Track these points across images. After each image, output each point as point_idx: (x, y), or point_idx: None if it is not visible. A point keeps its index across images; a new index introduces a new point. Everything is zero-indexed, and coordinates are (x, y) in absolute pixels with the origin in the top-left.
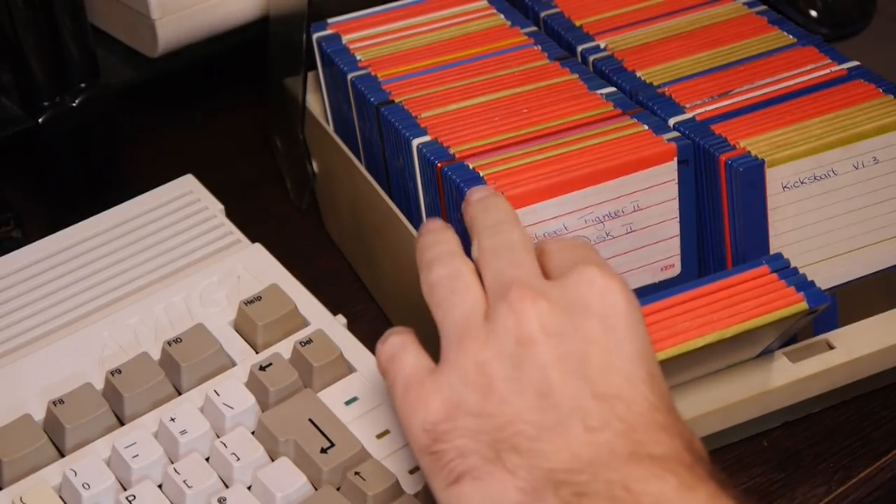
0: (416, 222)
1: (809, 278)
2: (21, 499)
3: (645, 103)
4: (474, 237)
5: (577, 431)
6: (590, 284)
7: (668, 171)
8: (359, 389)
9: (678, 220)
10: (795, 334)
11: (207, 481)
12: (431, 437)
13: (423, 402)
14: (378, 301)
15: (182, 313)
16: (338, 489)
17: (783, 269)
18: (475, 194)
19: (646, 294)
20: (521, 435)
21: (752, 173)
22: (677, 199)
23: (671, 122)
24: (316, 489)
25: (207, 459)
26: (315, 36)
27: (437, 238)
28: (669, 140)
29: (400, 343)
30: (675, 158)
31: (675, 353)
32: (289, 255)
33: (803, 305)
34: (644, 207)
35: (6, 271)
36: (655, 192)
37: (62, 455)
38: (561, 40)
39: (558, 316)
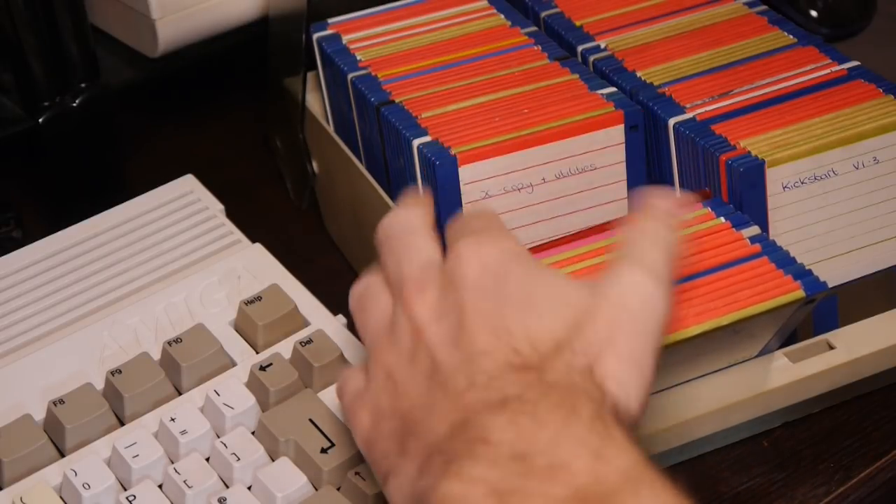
0: None
1: None
2: (21, 499)
3: (645, 103)
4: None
5: (451, 399)
6: (461, 261)
7: (616, 135)
8: None
9: (625, 183)
10: (796, 332)
11: (208, 481)
12: (367, 447)
13: (357, 419)
14: None
15: (182, 313)
16: (338, 489)
17: (719, 206)
18: None
19: None
20: (416, 421)
21: (753, 173)
22: (624, 162)
23: (671, 122)
24: (316, 489)
25: (208, 459)
26: (315, 36)
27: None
28: (619, 106)
29: (345, 376)
30: (623, 123)
31: (672, 341)
32: (289, 255)
33: (800, 293)
34: (591, 169)
35: (6, 271)
36: (603, 155)
37: (62, 455)
38: (561, 40)
39: (440, 298)
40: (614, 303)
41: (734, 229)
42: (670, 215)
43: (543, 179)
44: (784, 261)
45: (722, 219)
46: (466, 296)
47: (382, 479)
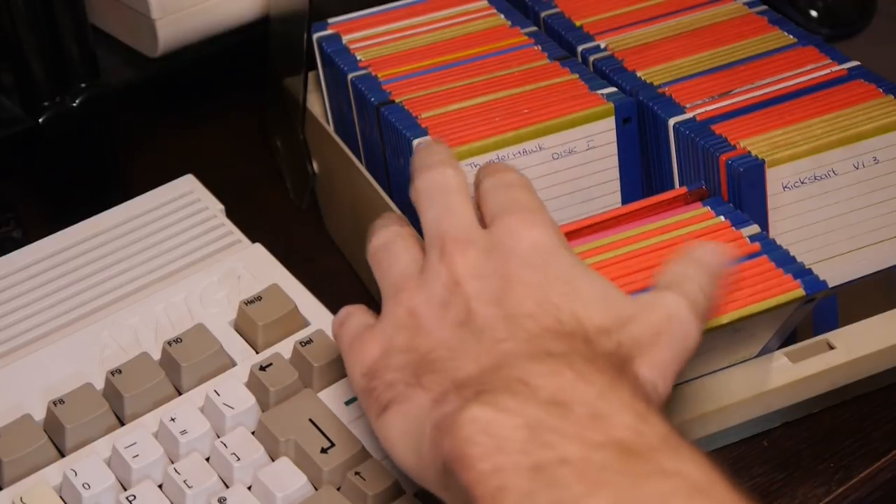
0: (417, 222)
1: None
2: (21, 499)
3: (645, 103)
4: (411, 178)
5: (486, 346)
6: (512, 234)
7: (607, 128)
8: None
9: (618, 175)
10: (795, 332)
11: (208, 481)
12: (367, 378)
13: (362, 351)
14: (378, 301)
15: (182, 313)
16: (338, 489)
17: (718, 205)
18: (420, 143)
19: None
20: (439, 358)
21: (753, 173)
22: (616, 155)
23: (671, 122)
24: (316, 489)
25: (208, 459)
26: (315, 36)
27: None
28: (611, 99)
29: (347, 311)
30: (614, 116)
31: None
32: (289, 255)
33: (800, 292)
34: (585, 163)
35: (6, 271)
36: (595, 148)
37: (62, 455)
38: (561, 40)
39: (484, 261)
40: (659, 318)
41: (733, 228)
42: (721, 261)
43: (536, 173)
44: (784, 260)
45: (721, 217)
46: (513, 266)
47: (380, 409)
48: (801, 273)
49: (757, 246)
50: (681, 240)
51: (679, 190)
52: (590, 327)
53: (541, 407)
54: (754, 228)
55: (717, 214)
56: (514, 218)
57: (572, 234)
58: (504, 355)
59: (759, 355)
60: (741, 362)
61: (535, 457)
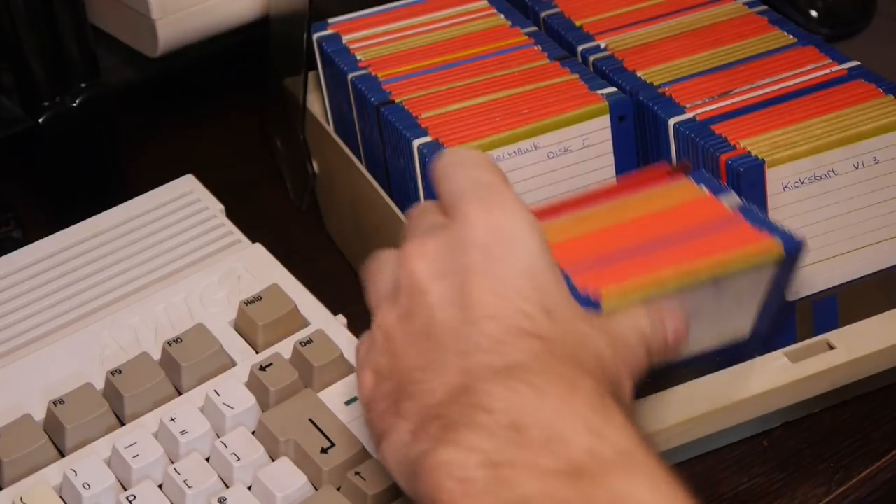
0: None
1: (810, 279)
2: (21, 499)
3: (645, 103)
4: None
5: (452, 361)
6: (470, 222)
7: (602, 125)
8: None
9: (614, 174)
10: (795, 332)
11: (208, 481)
12: (367, 408)
13: (361, 382)
14: None
15: (182, 313)
16: (338, 489)
17: (699, 175)
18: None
19: None
20: (413, 381)
21: (752, 173)
22: (612, 153)
23: (671, 122)
24: (316, 489)
25: (208, 459)
26: (315, 36)
27: None
28: (606, 96)
29: (364, 335)
30: (609, 114)
31: (656, 295)
32: (289, 255)
33: (778, 248)
34: (580, 161)
35: (6, 271)
36: (590, 146)
37: (62, 455)
38: (561, 40)
39: (443, 256)
40: (619, 326)
41: (714, 196)
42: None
43: (532, 172)
44: (763, 222)
45: (702, 186)
46: (473, 259)
47: (377, 440)
48: (780, 233)
49: (737, 212)
50: (666, 211)
51: (661, 165)
52: (561, 313)
53: (499, 437)
54: (734, 198)
55: (698, 183)
56: (472, 204)
57: (553, 210)
58: (468, 374)
59: (750, 338)
60: (737, 355)
61: (498, 498)
